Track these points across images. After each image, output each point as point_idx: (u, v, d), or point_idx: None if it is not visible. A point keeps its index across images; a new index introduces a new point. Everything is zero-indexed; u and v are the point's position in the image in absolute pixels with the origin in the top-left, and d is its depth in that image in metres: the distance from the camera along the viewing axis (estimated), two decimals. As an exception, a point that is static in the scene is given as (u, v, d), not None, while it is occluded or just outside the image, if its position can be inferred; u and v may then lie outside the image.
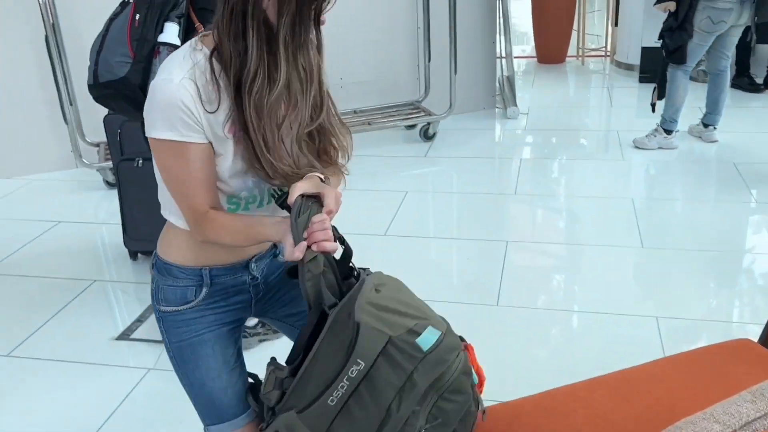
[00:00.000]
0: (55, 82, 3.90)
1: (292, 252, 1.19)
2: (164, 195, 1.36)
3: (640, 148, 4.43)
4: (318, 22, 1.23)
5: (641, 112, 4.99)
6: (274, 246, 1.47)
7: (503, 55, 5.58)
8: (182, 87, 1.19)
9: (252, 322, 2.65)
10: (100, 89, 2.27)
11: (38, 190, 4.29)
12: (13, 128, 4.36)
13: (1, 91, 4.27)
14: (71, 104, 4.05)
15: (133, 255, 3.32)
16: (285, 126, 1.26)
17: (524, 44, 7.80)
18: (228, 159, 1.27)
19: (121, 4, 2.34)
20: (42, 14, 3.75)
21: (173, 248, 1.40)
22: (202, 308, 1.41)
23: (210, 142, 1.25)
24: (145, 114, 1.24)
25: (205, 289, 1.40)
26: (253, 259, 1.43)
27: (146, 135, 1.25)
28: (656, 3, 4.24)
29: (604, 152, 4.58)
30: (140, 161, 3.13)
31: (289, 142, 1.29)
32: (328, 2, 1.21)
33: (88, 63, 2.30)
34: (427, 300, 1.31)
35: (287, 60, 1.21)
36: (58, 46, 3.92)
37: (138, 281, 3.16)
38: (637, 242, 3.28)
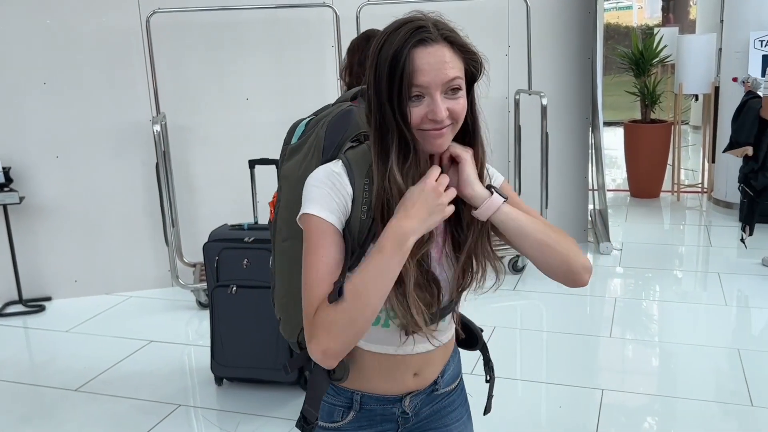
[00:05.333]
0: (161, 205, 4.11)
1: None
2: None
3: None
4: None
5: (744, 253, 4.78)
6: (435, 383, 1.43)
7: (595, 187, 5.52)
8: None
9: None
10: None
11: (135, 307, 4.44)
12: (117, 246, 4.58)
13: (111, 211, 4.53)
14: (173, 226, 4.25)
15: (219, 380, 3.32)
16: None
17: (616, 177, 7.74)
18: None
19: None
20: (155, 143, 4.00)
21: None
22: (347, 430, 1.41)
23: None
24: None
25: (352, 413, 1.39)
26: (410, 395, 1.40)
27: None
28: (726, 150, 4.34)
29: (704, 295, 4.36)
30: (234, 288, 3.20)
31: None
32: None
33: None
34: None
35: None
36: (167, 173, 4.17)
37: (221, 408, 3.14)
38: (745, 399, 3.04)
